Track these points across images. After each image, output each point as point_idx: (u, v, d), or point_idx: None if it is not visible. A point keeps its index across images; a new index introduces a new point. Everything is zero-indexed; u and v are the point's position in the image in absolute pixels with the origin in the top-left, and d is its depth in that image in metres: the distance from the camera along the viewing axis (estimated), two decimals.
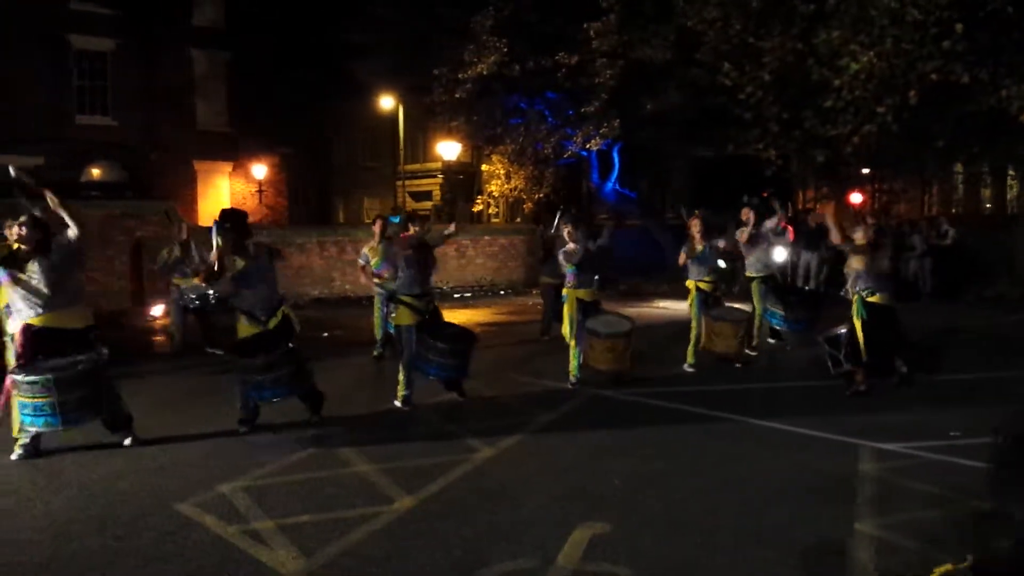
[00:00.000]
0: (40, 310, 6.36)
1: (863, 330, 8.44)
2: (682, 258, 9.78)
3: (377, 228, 10.86)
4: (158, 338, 12.88)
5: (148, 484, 5.83)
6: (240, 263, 7.19)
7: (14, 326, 6.52)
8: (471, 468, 6.21)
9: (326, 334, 13.13)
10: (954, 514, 5.14)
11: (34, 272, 6.35)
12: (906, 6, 14.67)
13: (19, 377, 6.17)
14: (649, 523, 5.06)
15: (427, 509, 5.33)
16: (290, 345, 7.21)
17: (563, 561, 4.49)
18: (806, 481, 5.86)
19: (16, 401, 6.29)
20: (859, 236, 8.66)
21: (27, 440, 6.36)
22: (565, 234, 9.01)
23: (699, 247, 9.69)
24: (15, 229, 6.43)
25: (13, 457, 6.32)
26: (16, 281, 6.33)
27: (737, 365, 9.97)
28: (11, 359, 6.69)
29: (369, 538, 4.85)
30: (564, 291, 9.15)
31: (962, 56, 14.75)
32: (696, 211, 10.09)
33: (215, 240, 7.14)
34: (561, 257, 9.03)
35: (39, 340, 6.35)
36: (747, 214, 10.88)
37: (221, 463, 6.30)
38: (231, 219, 7.31)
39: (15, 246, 6.40)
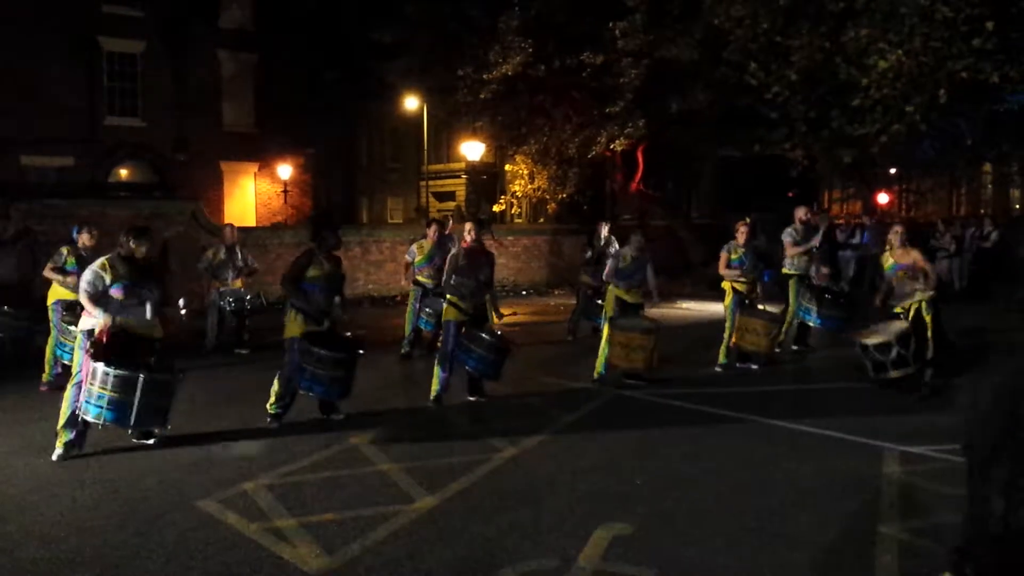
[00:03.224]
0: (132, 320, 6.40)
1: (934, 326, 8.55)
2: (723, 261, 9.82)
3: (432, 232, 10.86)
4: (183, 337, 12.94)
5: (172, 481, 5.87)
6: (326, 267, 7.40)
7: (90, 322, 6.42)
8: (493, 468, 6.20)
9: (349, 334, 13.14)
10: None
11: (149, 288, 6.48)
12: (936, 3, 14.48)
13: (108, 368, 6.11)
14: (671, 524, 5.03)
15: (449, 508, 5.33)
16: (359, 354, 7.51)
17: (584, 561, 4.47)
18: (831, 483, 5.80)
19: (78, 392, 6.23)
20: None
21: (72, 436, 6.34)
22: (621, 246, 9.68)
23: (740, 251, 9.73)
24: (129, 242, 6.45)
25: (55, 455, 6.32)
26: (130, 293, 6.36)
27: (754, 367, 9.92)
28: (74, 352, 6.72)
29: (391, 537, 4.85)
30: (609, 288, 9.35)
31: (992, 55, 14.55)
32: (745, 217, 10.18)
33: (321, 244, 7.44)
34: (611, 256, 9.51)
35: (119, 340, 6.34)
36: (805, 213, 10.80)
37: (244, 461, 6.34)
38: (329, 224, 7.65)
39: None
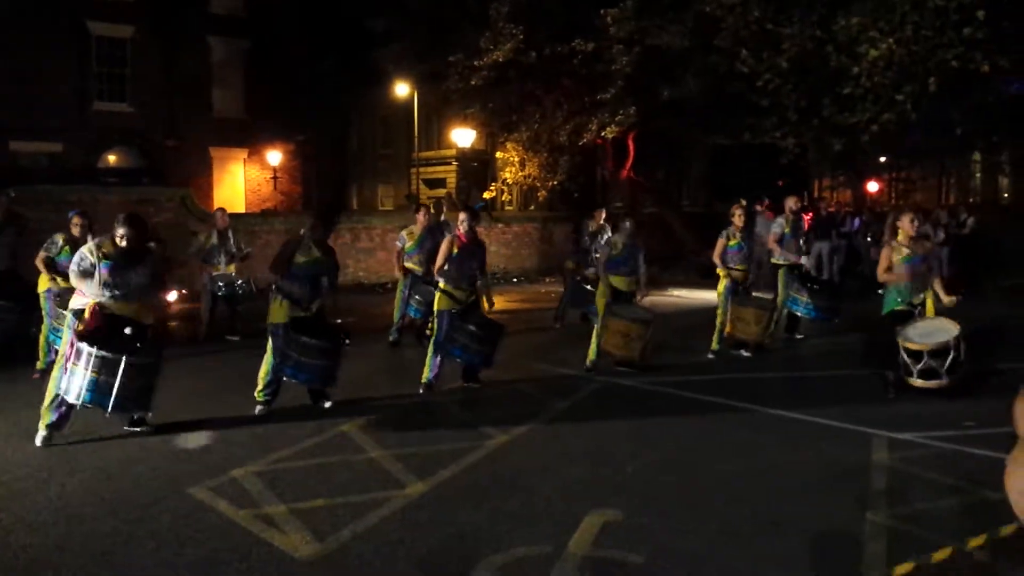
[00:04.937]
0: (119, 298, 6.39)
1: None
2: (719, 248, 9.77)
3: (422, 216, 10.84)
4: (172, 324, 12.94)
5: (162, 468, 5.86)
6: (315, 254, 7.40)
7: (80, 302, 6.43)
8: (484, 454, 6.21)
9: (339, 320, 13.15)
10: (966, 503, 5.12)
11: (137, 271, 6.44)
12: None
13: (92, 349, 6.09)
14: (662, 511, 5.05)
15: (439, 495, 5.34)
16: (341, 340, 7.44)
17: (575, 547, 4.49)
18: (822, 470, 5.83)
19: (64, 371, 6.21)
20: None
21: (55, 417, 6.34)
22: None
23: (739, 236, 9.71)
24: (120, 231, 6.38)
25: (37, 442, 6.31)
26: (116, 275, 6.32)
27: (746, 353, 9.95)
28: (61, 334, 6.70)
29: (381, 523, 4.86)
30: (602, 277, 9.27)
31: (983, 44, 14.58)
32: (741, 200, 10.10)
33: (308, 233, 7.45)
34: (603, 244, 9.22)
35: (107, 321, 6.34)
36: (795, 203, 10.83)
37: (234, 448, 6.34)
38: (335, 217, 7.65)
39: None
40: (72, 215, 8.83)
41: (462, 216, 8.27)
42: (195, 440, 6.55)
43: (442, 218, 11.43)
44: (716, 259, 9.88)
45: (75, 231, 8.62)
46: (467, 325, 8.09)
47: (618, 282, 9.15)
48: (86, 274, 6.32)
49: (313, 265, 7.39)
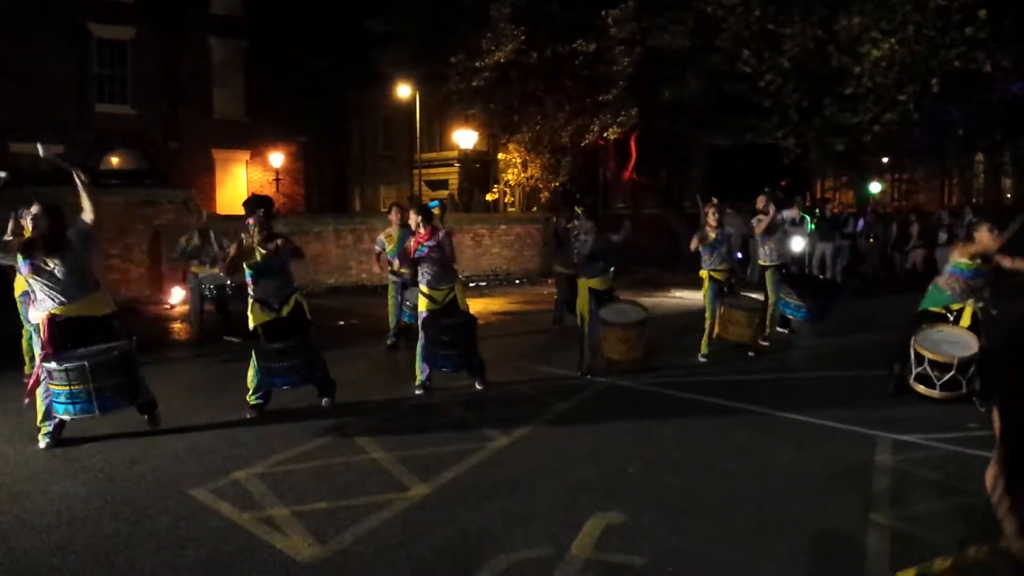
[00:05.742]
0: (63, 300, 6.34)
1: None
2: (693, 244, 9.69)
3: (394, 216, 10.83)
4: (176, 325, 12.95)
5: (164, 470, 5.86)
6: (260, 253, 7.27)
7: (36, 316, 6.48)
8: (486, 456, 6.20)
9: (342, 322, 13.16)
10: (968, 505, 5.10)
11: (55, 262, 6.29)
12: None
13: (53, 365, 6.15)
14: (664, 513, 5.03)
15: (441, 497, 5.33)
16: (306, 335, 7.31)
17: (577, 550, 4.48)
18: (823, 471, 5.82)
19: (45, 390, 6.27)
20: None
21: (51, 428, 6.38)
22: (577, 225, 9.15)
23: (712, 235, 9.63)
24: (28, 220, 6.38)
25: (41, 446, 6.34)
26: (38, 272, 6.25)
27: (750, 354, 9.93)
28: (34, 348, 6.72)
29: (383, 525, 4.86)
30: (578, 281, 9.21)
31: (985, 43, 14.57)
32: (712, 199, 10.04)
33: (250, 229, 7.30)
34: (577, 255, 9.19)
35: (64, 330, 6.34)
36: (763, 202, 10.75)
37: (236, 450, 6.33)
38: (264, 205, 7.48)
39: (28, 234, 6.44)
40: (20, 215, 8.66)
41: (412, 215, 8.22)
42: (197, 442, 6.54)
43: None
44: (693, 248, 9.71)
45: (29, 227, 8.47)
46: (440, 335, 8.02)
47: (594, 283, 9.11)
48: (27, 292, 6.31)
49: (264, 263, 7.29)
